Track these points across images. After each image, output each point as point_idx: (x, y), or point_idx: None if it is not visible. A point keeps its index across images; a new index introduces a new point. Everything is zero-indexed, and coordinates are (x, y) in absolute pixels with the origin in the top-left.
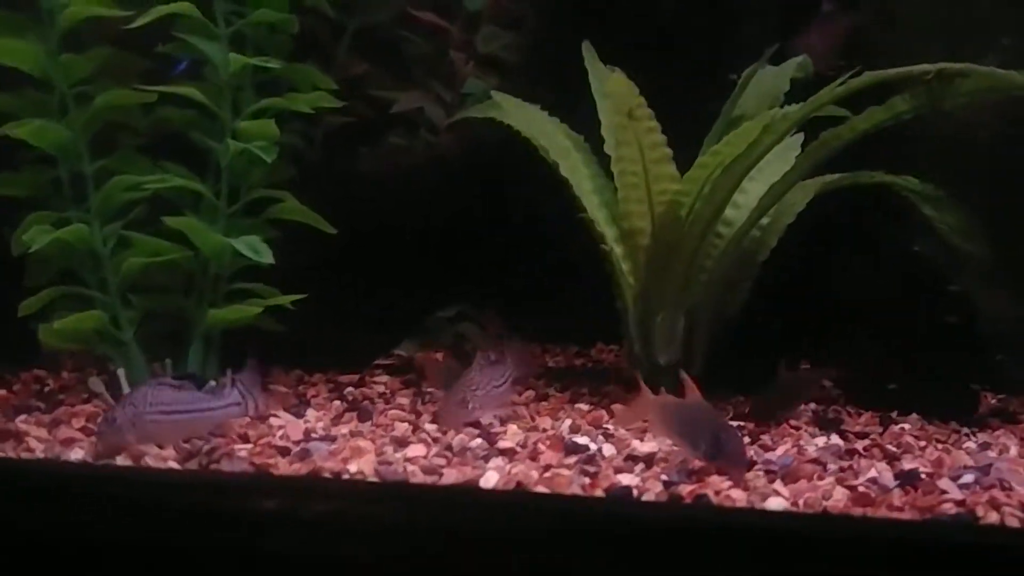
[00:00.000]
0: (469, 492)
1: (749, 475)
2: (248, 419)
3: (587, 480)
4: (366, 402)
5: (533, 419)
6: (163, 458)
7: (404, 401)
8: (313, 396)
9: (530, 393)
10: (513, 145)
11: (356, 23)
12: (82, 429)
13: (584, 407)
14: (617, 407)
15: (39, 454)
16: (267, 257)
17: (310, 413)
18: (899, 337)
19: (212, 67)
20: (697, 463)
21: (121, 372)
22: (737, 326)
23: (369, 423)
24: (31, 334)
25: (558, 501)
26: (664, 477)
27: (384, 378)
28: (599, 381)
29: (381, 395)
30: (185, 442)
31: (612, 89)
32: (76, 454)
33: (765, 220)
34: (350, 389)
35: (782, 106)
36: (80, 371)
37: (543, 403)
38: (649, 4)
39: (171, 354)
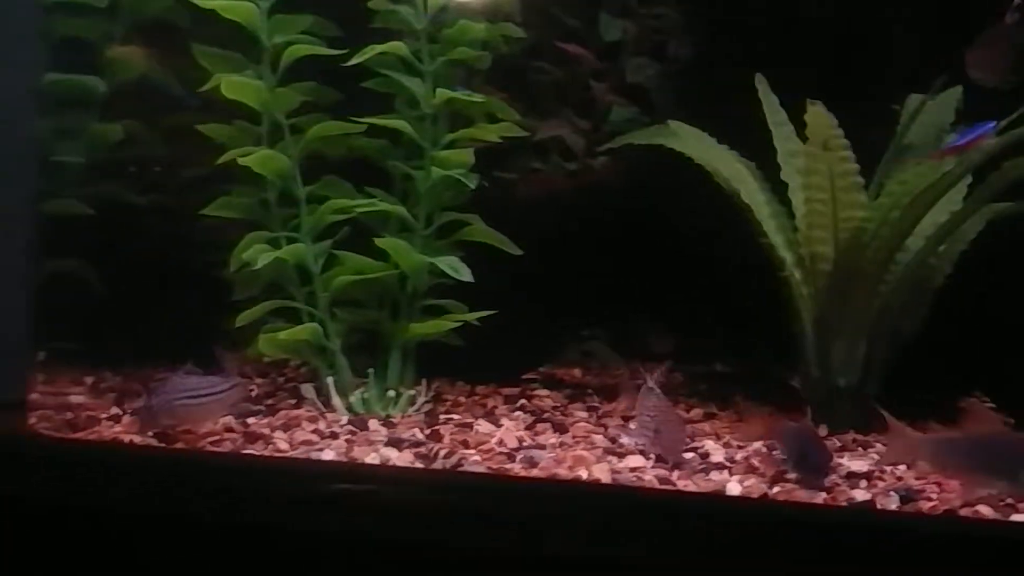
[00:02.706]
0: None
1: (983, 493)
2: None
3: (824, 495)
4: (547, 414)
5: (719, 436)
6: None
7: (582, 414)
8: (495, 407)
9: (697, 411)
10: (664, 170)
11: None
12: (314, 432)
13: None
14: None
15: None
16: (466, 276)
17: (505, 422)
18: None
19: (402, 100)
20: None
21: (330, 380)
22: (913, 352)
23: (568, 434)
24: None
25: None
26: (892, 493)
27: (544, 392)
28: (759, 401)
29: (554, 407)
30: (417, 447)
31: (811, 119)
32: (327, 455)
33: (940, 247)
34: (522, 401)
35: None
36: (264, 377)
37: (714, 421)
38: (797, 32)
39: (367, 364)
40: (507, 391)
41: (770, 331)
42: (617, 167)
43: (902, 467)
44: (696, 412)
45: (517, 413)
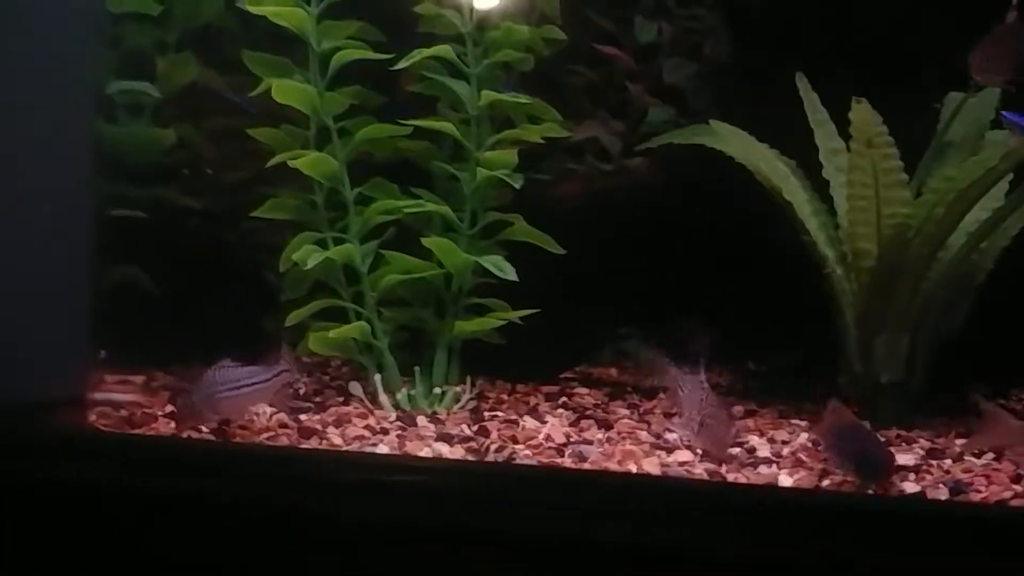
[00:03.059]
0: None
1: None
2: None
3: (874, 488)
4: (589, 411)
5: (763, 432)
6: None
7: (623, 411)
8: (537, 404)
9: (739, 408)
10: (701, 170)
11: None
12: (366, 427)
13: (800, 422)
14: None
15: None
16: (511, 275)
17: (549, 418)
18: None
19: (445, 103)
20: None
21: (377, 378)
22: (954, 349)
23: (614, 430)
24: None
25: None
26: (941, 485)
27: (583, 390)
28: (797, 398)
29: (597, 404)
30: (466, 441)
31: (855, 117)
32: (382, 448)
33: (983, 244)
34: (564, 399)
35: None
36: (309, 374)
37: (757, 417)
38: (835, 30)
39: (413, 362)
40: (547, 389)
41: (812, 329)
42: (654, 167)
43: (947, 461)
44: (737, 409)
45: (560, 410)
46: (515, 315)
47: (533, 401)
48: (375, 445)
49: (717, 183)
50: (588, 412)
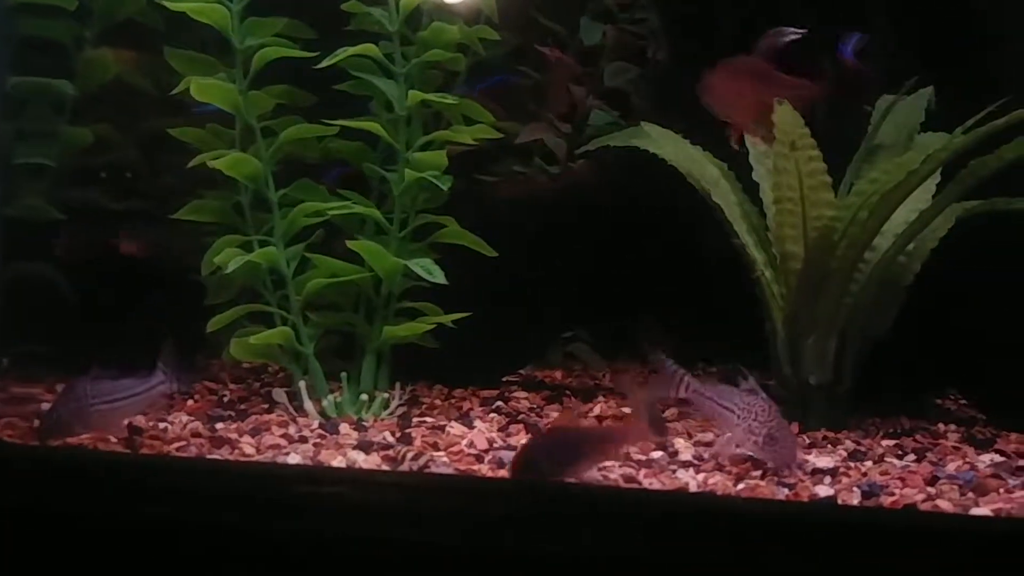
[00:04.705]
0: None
1: (943, 487)
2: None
3: (787, 491)
4: (522, 415)
5: (691, 434)
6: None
7: (556, 414)
8: (470, 409)
9: (673, 410)
10: (645, 173)
11: (473, 59)
12: (283, 436)
13: None
14: None
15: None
16: (440, 278)
17: (478, 424)
18: None
19: (378, 103)
20: None
21: (302, 384)
22: (882, 350)
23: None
24: (186, 349)
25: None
26: (856, 489)
27: (522, 393)
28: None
29: (531, 409)
30: (385, 449)
31: (779, 119)
32: (293, 458)
33: (910, 245)
34: (499, 403)
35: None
36: (239, 383)
37: (690, 419)
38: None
39: (343, 368)
40: (485, 393)
41: (746, 331)
42: (597, 170)
43: (868, 463)
44: (671, 411)
45: (492, 415)
46: (446, 319)
47: (467, 406)
48: (288, 454)
49: (659, 186)
50: (520, 416)
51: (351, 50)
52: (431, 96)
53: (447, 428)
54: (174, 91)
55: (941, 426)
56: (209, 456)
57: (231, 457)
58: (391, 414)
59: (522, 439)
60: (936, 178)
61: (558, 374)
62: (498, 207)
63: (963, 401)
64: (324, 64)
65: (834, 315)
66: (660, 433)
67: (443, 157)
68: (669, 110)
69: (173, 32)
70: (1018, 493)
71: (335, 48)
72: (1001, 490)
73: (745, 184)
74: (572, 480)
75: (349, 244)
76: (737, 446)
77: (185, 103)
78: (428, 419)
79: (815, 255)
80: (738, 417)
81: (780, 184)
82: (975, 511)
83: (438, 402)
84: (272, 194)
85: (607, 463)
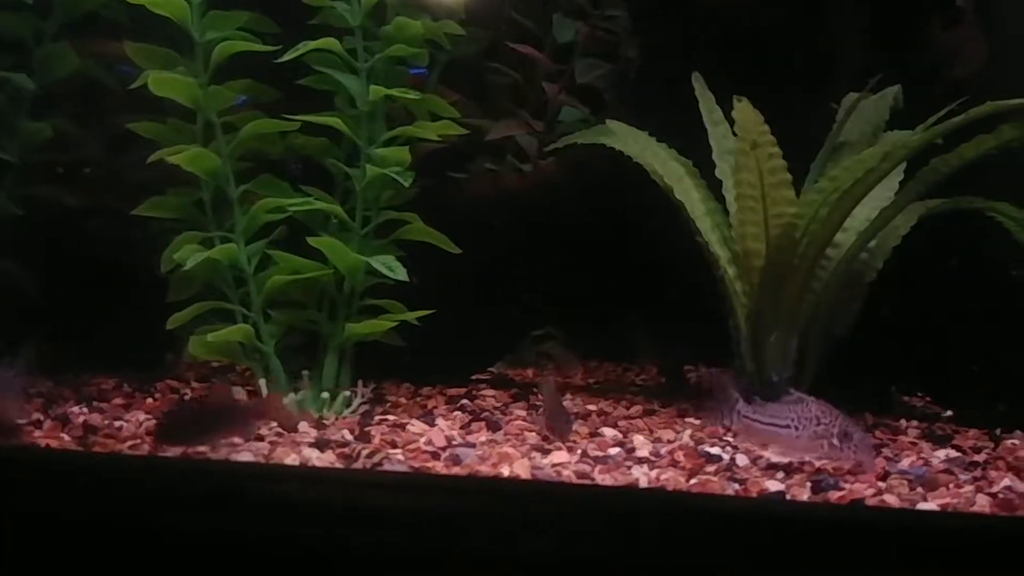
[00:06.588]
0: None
1: (894, 482)
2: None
3: (738, 486)
4: (486, 413)
5: (652, 431)
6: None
7: (521, 412)
8: (434, 407)
9: (638, 407)
10: (608, 170)
11: (448, 55)
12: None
13: (695, 421)
14: None
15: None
16: (401, 275)
17: (440, 422)
18: (1001, 356)
19: (341, 97)
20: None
21: (262, 382)
22: (845, 346)
23: (501, 432)
24: (155, 347)
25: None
26: (810, 483)
27: (490, 391)
28: (700, 397)
29: (496, 407)
30: (342, 447)
31: (739, 117)
32: (244, 456)
33: (872, 243)
34: (465, 401)
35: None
36: (204, 381)
37: (653, 416)
38: (744, 34)
39: (302, 366)
40: (453, 392)
41: (711, 328)
42: (567, 168)
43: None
44: (636, 408)
45: (456, 413)
46: (410, 316)
47: (432, 404)
48: (241, 452)
49: (628, 183)
50: (484, 414)
51: (311, 44)
52: (393, 91)
53: (407, 426)
54: (132, 85)
55: (903, 422)
56: (159, 454)
57: (182, 455)
58: (353, 412)
59: (482, 436)
60: (899, 176)
61: (530, 372)
62: (469, 204)
63: (928, 398)
64: (284, 59)
65: (796, 312)
66: (563, 432)
67: (406, 153)
68: (640, 107)
69: (144, 27)
70: (966, 488)
71: (302, 43)
72: (951, 485)
73: (711, 181)
74: (206, 448)
75: (310, 241)
76: (807, 456)
77: (150, 98)
78: (391, 417)
79: (777, 252)
80: (796, 429)
81: (741, 182)
82: (922, 506)
83: (403, 400)
84: (233, 190)
85: (242, 437)
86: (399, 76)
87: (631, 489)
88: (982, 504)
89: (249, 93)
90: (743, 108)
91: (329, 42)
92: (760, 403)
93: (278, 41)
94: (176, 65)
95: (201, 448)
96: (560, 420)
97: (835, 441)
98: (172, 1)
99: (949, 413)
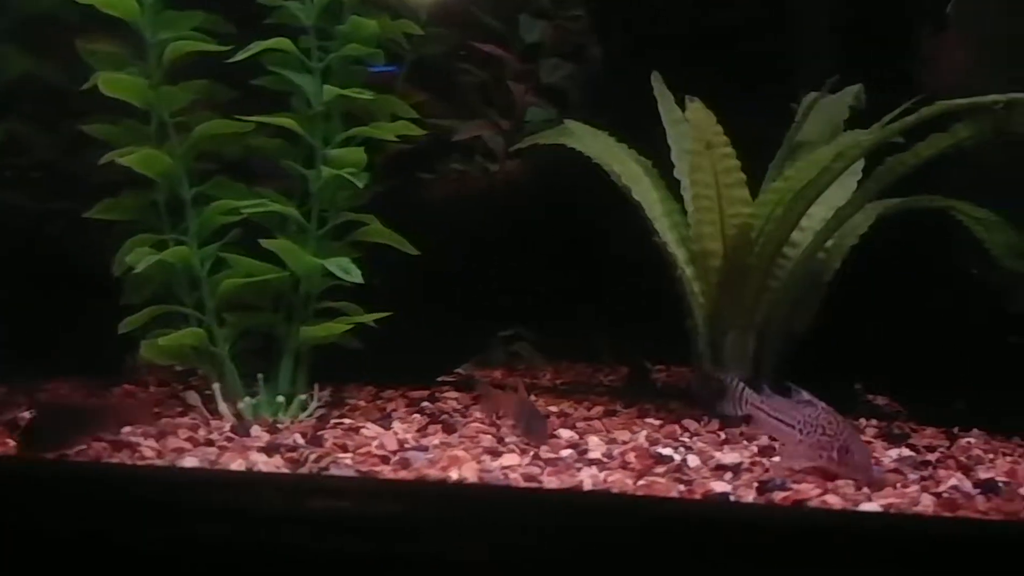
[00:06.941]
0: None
1: (839, 482)
2: None
3: (683, 487)
4: (445, 415)
5: (609, 432)
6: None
7: (480, 414)
8: (393, 410)
9: (599, 408)
10: (576, 170)
11: (414, 55)
12: (189, 439)
13: (654, 422)
14: None
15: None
16: (357, 277)
17: (396, 425)
18: (960, 354)
19: (298, 98)
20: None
21: (216, 386)
22: (808, 345)
23: (456, 435)
24: (114, 351)
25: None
26: (756, 484)
27: (453, 393)
28: (664, 397)
29: (456, 409)
30: (291, 451)
31: (692, 117)
32: (190, 462)
33: (830, 242)
34: (426, 403)
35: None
36: (165, 386)
37: (614, 417)
38: (707, 34)
39: (262, 369)
40: (415, 394)
41: (671, 328)
42: (534, 167)
43: (775, 458)
44: (597, 410)
45: (415, 415)
46: (367, 318)
47: (392, 407)
48: (185, 458)
49: (596, 183)
50: (442, 417)
51: (263, 44)
52: (348, 91)
53: (362, 429)
54: (84, 86)
55: (863, 421)
56: (105, 460)
57: (128, 461)
58: (309, 415)
59: (436, 439)
60: (857, 176)
61: (498, 373)
62: (437, 204)
63: (890, 396)
64: (236, 58)
65: (753, 311)
66: (540, 435)
67: (362, 154)
68: (604, 106)
69: (100, 27)
70: (912, 488)
71: (255, 43)
72: (897, 485)
73: (672, 181)
74: (74, 449)
75: (264, 243)
76: (806, 462)
77: (114, 100)
78: (347, 420)
79: (733, 252)
80: (800, 433)
81: (697, 182)
82: (865, 506)
83: (363, 403)
84: (186, 192)
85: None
86: (357, 76)
87: (572, 492)
88: (926, 504)
89: (204, 94)
90: (696, 109)
91: (282, 42)
92: (768, 393)
93: (235, 42)
94: (127, 66)
95: (68, 451)
96: (535, 423)
97: (834, 455)
98: (123, 1)
99: (903, 411)
